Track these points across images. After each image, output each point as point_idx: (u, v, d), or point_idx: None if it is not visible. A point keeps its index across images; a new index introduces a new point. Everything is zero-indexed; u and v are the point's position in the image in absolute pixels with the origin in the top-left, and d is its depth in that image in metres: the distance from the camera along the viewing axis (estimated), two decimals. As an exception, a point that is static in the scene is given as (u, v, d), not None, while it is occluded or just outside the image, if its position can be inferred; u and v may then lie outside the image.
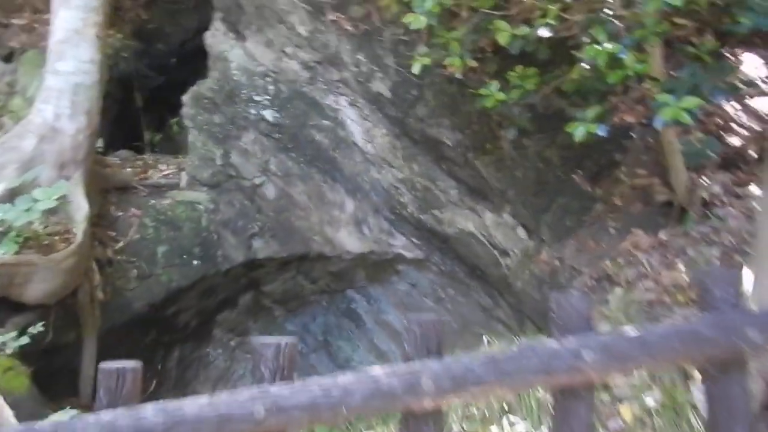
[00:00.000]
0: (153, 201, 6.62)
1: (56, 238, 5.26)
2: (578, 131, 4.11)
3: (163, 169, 7.12)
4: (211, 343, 7.54)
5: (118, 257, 6.09)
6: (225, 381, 7.83)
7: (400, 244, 7.21)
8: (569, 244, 5.28)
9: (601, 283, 4.77)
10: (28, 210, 4.85)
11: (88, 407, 5.50)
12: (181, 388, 7.27)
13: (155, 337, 6.51)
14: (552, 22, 3.93)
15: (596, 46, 3.59)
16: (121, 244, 6.19)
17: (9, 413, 3.30)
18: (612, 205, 5.32)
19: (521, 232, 5.74)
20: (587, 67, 3.91)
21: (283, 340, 1.73)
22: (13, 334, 4.15)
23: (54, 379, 5.37)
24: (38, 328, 4.30)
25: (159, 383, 6.89)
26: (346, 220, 7.22)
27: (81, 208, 5.53)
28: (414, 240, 7.10)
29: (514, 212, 5.77)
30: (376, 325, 8.13)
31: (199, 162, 6.93)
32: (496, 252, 6.05)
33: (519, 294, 5.47)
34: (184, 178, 6.97)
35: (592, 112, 4.11)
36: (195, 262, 6.42)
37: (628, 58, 3.62)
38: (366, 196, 7.08)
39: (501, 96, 4.42)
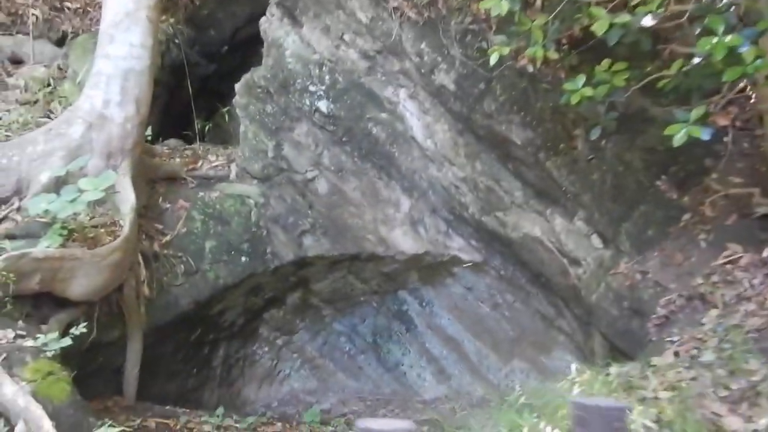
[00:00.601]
0: (201, 193, 6.34)
1: (102, 230, 5.01)
2: (679, 134, 3.63)
3: (212, 160, 6.85)
4: (257, 341, 7.27)
5: (165, 251, 5.83)
6: (271, 380, 7.57)
7: (458, 246, 6.80)
8: (653, 256, 4.79)
9: (692, 302, 4.28)
10: (73, 201, 4.60)
11: (132, 408, 5.27)
12: (226, 387, 7.03)
13: (200, 336, 6.26)
14: (655, 10, 3.45)
15: (712, 39, 3.10)
16: (167, 237, 5.94)
17: (49, 426, 3.03)
18: (702, 215, 4.81)
19: (596, 241, 5.26)
20: (695, 61, 3.41)
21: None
22: (55, 334, 3.90)
23: (96, 377, 5.15)
24: (81, 328, 4.04)
25: (204, 382, 6.65)
26: (401, 219, 6.83)
27: (128, 199, 5.27)
28: (473, 242, 6.68)
29: (589, 219, 5.29)
30: (428, 329, 7.74)
31: (250, 154, 6.63)
32: (565, 260, 5.59)
33: (592, 308, 5.01)
34: (234, 170, 6.68)
35: (695, 113, 3.62)
36: (243, 259, 6.13)
37: (748, 52, 3.12)
38: (423, 194, 6.67)
39: (588, 92, 3.96)
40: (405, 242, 6.79)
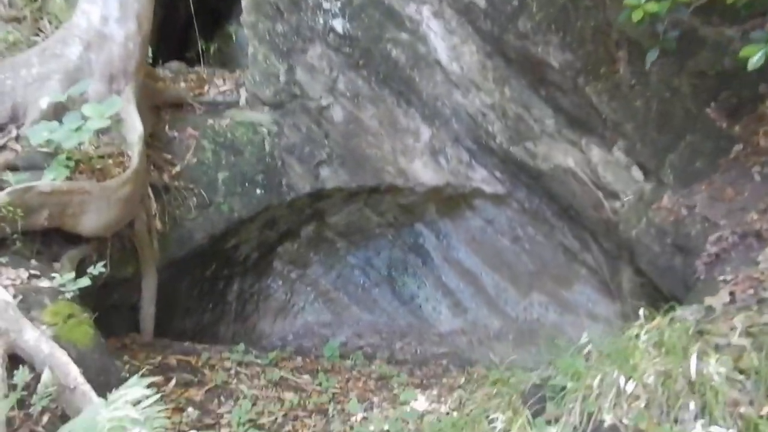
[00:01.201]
0: (211, 121, 5.95)
1: (110, 161, 4.66)
2: (755, 56, 3.27)
3: (219, 85, 6.41)
4: (271, 275, 7.05)
5: (175, 183, 5.50)
6: (285, 314, 7.40)
7: (480, 178, 6.49)
8: (700, 190, 4.50)
9: (745, 240, 4.02)
10: (77, 129, 4.22)
11: (151, 345, 5.07)
12: (242, 321, 6.86)
13: (215, 271, 6.01)
14: None
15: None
16: (177, 168, 5.59)
17: (76, 372, 2.78)
18: (756, 146, 4.49)
19: (636, 173, 4.96)
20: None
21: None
22: (71, 274, 3.62)
23: (112, 315, 4.92)
24: (99, 267, 3.75)
25: (219, 317, 6.46)
26: (422, 149, 6.48)
27: (135, 127, 4.89)
28: (496, 174, 6.37)
29: (630, 149, 4.97)
30: (445, 262, 7.54)
31: (260, 78, 6.19)
32: (600, 193, 5.30)
33: (631, 243, 4.76)
34: (243, 95, 6.26)
35: (772, 32, 3.25)
36: (258, 191, 5.81)
37: None
38: (445, 123, 6.31)
39: (653, 7, 3.55)
40: (425, 173, 6.48)
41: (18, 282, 3.38)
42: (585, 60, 5.05)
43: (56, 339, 2.97)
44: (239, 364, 5.08)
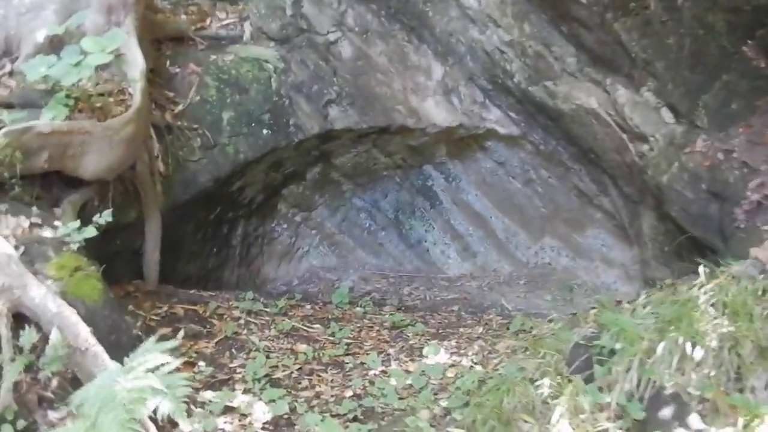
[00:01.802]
0: (214, 56, 5.61)
1: (110, 99, 4.36)
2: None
3: (222, 18, 6.03)
4: (275, 218, 6.84)
5: (178, 123, 5.22)
6: (289, 257, 7.23)
7: (495, 118, 6.23)
8: (737, 134, 4.28)
9: (787, 186, 3.84)
10: (77, 65, 3.91)
11: (155, 293, 4.90)
12: (246, 266, 6.69)
13: (219, 214, 5.79)
14: None
15: None
16: (180, 107, 5.30)
17: (87, 332, 2.60)
18: (796, 87, 4.25)
19: (666, 115, 4.71)
20: None
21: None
22: (76, 224, 3.38)
23: (115, 261, 4.71)
24: (105, 216, 3.52)
25: (224, 262, 6.28)
26: (434, 87, 6.19)
27: (136, 62, 4.56)
28: (512, 114, 6.11)
29: (660, 90, 4.71)
30: (454, 205, 7.33)
31: (266, 11, 5.82)
32: (624, 136, 5.06)
33: (662, 189, 4.55)
34: (248, 29, 5.90)
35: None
36: (264, 132, 5.53)
37: None
38: (459, 60, 5.99)
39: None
40: (438, 114, 6.20)
41: (19, 231, 3.15)
42: (615, -7, 4.73)
43: (63, 295, 2.77)
44: (248, 313, 4.93)
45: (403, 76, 6.17)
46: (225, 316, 4.79)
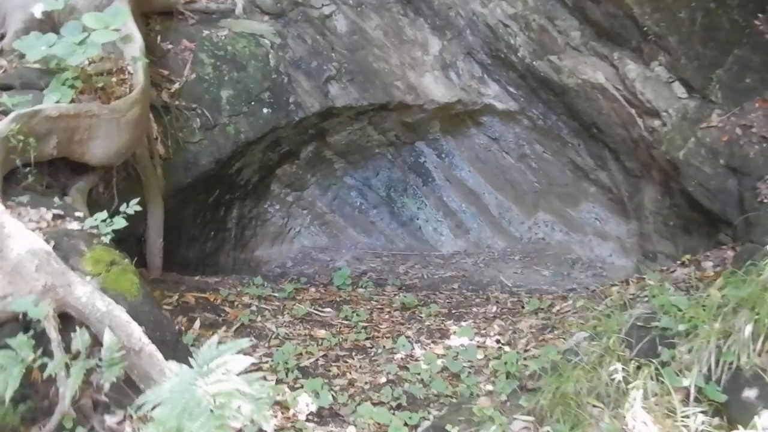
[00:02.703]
0: (207, 32, 5.36)
1: (113, 79, 4.11)
2: None
3: (210, -10, 5.75)
4: (268, 198, 6.66)
5: (176, 103, 4.98)
6: (281, 239, 7.07)
7: (493, 94, 6.17)
8: (753, 108, 4.31)
9: (807, 160, 3.89)
10: (81, 43, 3.64)
11: (162, 281, 4.71)
12: (241, 248, 6.50)
13: (217, 196, 5.59)
14: None
15: None
16: (176, 86, 5.05)
17: (140, 332, 2.45)
18: (809, 61, 4.30)
19: (679, 90, 4.71)
20: None
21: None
22: (103, 215, 3.17)
23: (119, 249, 4.49)
24: (134, 206, 3.31)
25: (220, 245, 6.09)
26: (431, 62, 6.08)
27: (135, 38, 4.31)
28: (510, 89, 6.05)
29: (672, 64, 4.70)
30: (447, 182, 7.27)
31: (260, -17, 5.57)
32: (633, 110, 5.06)
33: (678, 164, 4.56)
34: (239, 3, 5.64)
35: None
36: (265, 111, 5.33)
37: None
38: (458, 34, 5.88)
39: None
40: (437, 89, 6.10)
41: (44, 225, 2.93)
42: (626, -35, 4.68)
43: (103, 291, 2.59)
44: (258, 299, 4.80)
45: (399, 51, 6.04)
46: (236, 303, 4.64)
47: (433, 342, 4.26)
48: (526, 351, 3.78)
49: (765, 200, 3.84)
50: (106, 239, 3.03)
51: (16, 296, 2.39)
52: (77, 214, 3.20)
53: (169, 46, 5.24)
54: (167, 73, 5.09)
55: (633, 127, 5.14)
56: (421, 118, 6.52)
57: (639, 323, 2.82)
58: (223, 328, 4.18)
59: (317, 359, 3.94)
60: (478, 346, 4.03)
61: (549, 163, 6.68)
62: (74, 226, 2.99)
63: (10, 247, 2.47)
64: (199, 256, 5.65)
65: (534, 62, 5.50)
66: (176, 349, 2.76)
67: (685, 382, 2.43)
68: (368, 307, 5.16)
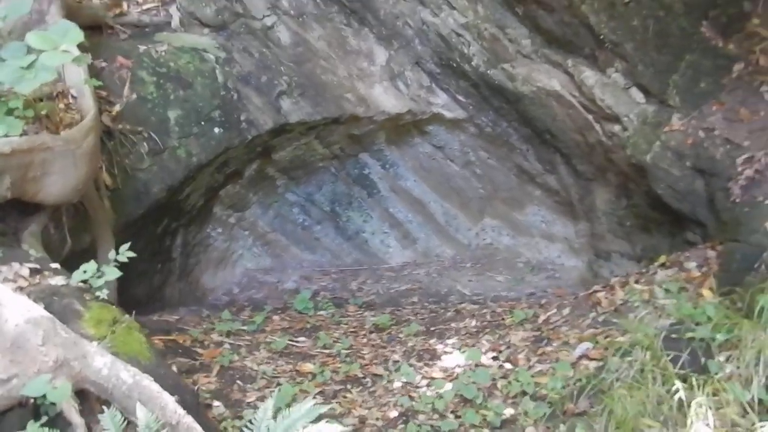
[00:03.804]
0: (143, 47, 4.93)
1: (60, 105, 3.65)
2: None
3: (139, 2, 5.30)
4: (211, 222, 6.24)
5: (119, 126, 4.53)
6: (225, 263, 6.67)
7: (442, 103, 6.10)
8: (711, 111, 4.47)
9: (776, 161, 4.07)
10: (30, 67, 3.18)
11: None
12: (185, 278, 6.05)
13: (165, 225, 5.16)
14: None
15: None
16: (117, 108, 4.60)
17: (174, 403, 2.13)
18: (756, 65, 4.51)
19: (636, 95, 4.82)
20: None
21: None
22: (92, 267, 2.76)
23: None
24: (126, 253, 2.92)
25: (167, 277, 5.63)
26: (379, 73, 5.92)
27: (82, 59, 3.85)
28: (459, 97, 6.00)
29: (629, 71, 4.79)
30: (392, 193, 7.13)
31: (198, -6, 5.19)
32: (589, 116, 5.13)
33: (646, 167, 4.65)
34: (175, 15, 5.23)
35: None
36: (216, 130, 4.97)
37: None
38: (406, 44, 5.77)
39: None
40: (387, 100, 5.95)
41: (23, 283, 2.50)
42: (577, -25, 4.73)
43: (114, 356, 2.23)
44: (227, 334, 4.46)
45: (345, 62, 5.84)
46: (207, 343, 4.28)
47: (425, 365, 4.11)
48: (530, 367, 3.70)
49: (737, 200, 3.98)
50: (102, 294, 2.64)
51: (23, 377, 2.00)
52: (52, 266, 2.77)
53: (103, 64, 4.77)
54: (105, 94, 4.62)
55: (589, 132, 5.22)
56: (369, 130, 6.35)
57: (673, 335, 2.80)
58: (203, 373, 3.82)
59: (314, 397, 3.68)
60: (477, 365, 3.92)
61: (493, 168, 6.70)
62: (58, 281, 2.59)
63: (4, 318, 2.07)
64: (148, 292, 5.18)
65: (488, 71, 5.47)
66: (198, 413, 2.43)
67: (747, 396, 2.42)
68: (341, 332, 4.93)
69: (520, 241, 6.93)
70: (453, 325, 4.86)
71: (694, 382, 2.49)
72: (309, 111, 5.54)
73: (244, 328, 4.65)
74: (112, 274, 2.74)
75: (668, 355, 2.72)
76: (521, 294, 6.00)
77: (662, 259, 4.30)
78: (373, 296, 6.35)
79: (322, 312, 5.59)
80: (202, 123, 4.88)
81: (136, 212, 4.47)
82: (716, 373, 2.54)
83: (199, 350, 4.12)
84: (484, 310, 5.19)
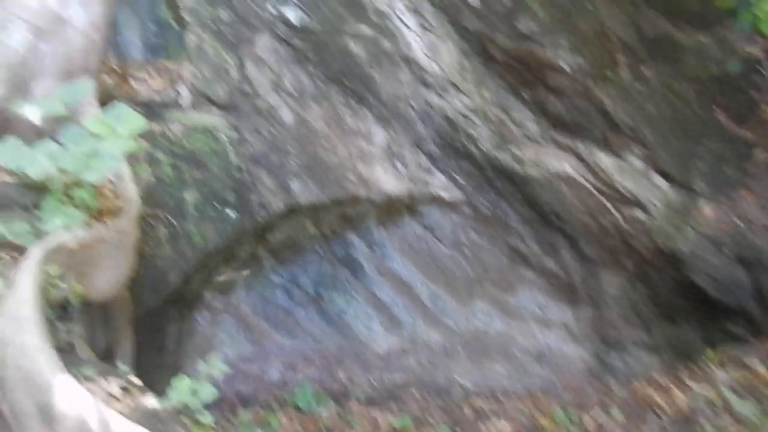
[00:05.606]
0: (157, 127, 4.65)
1: (107, 192, 3.32)
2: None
3: (146, 79, 5.04)
4: (199, 308, 5.81)
5: (137, 210, 4.17)
6: (208, 350, 6.18)
7: (440, 184, 6.09)
8: (742, 197, 4.63)
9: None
10: (93, 156, 2.86)
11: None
12: (174, 369, 5.53)
13: (168, 316, 4.75)
14: None
15: None
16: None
17: None
18: (776, 151, 4.78)
19: (658, 180, 4.94)
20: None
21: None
22: (187, 384, 2.42)
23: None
24: (217, 364, 2.59)
25: (159, 369, 5.13)
26: (379, 154, 5.86)
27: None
28: (458, 178, 6.02)
29: (649, 155, 4.95)
30: (379, 275, 6.93)
31: (211, 74, 5.00)
32: (603, 198, 5.23)
33: (681, 255, 4.69)
34: (186, 94, 5.00)
35: None
36: (231, 214, 4.70)
37: None
38: (406, 125, 5.76)
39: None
40: (387, 181, 5.87)
41: (118, 405, 2.14)
42: (591, 62, 4.93)
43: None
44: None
45: (344, 141, 5.75)
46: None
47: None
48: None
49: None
50: (205, 419, 2.30)
51: None
52: (133, 380, 2.42)
53: (114, 144, 4.43)
54: (119, 176, 4.27)
55: (603, 216, 5.31)
56: (363, 211, 6.22)
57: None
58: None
59: None
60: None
61: (483, 249, 6.68)
62: (149, 401, 2.24)
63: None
64: (146, 385, 4.69)
65: (497, 154, 5.54)
66: None
67: None
68: (358, 435, 4.62)
69: (513, 326, 6.85)
70: (483, 427, 4.63)
71: None
72: (317, 192, 5.37)
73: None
74: (208, 393, 2.41)
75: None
76: (527, 385, 5.87)
77: (711, 354, 4.28)
78: (370, 389, 6.05)
79: (321, 408, 5.24)
80: (217, 205, 4.60)
81: (154, 303, 4.08)
82: None
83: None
84: (506, 408, 5.00)
